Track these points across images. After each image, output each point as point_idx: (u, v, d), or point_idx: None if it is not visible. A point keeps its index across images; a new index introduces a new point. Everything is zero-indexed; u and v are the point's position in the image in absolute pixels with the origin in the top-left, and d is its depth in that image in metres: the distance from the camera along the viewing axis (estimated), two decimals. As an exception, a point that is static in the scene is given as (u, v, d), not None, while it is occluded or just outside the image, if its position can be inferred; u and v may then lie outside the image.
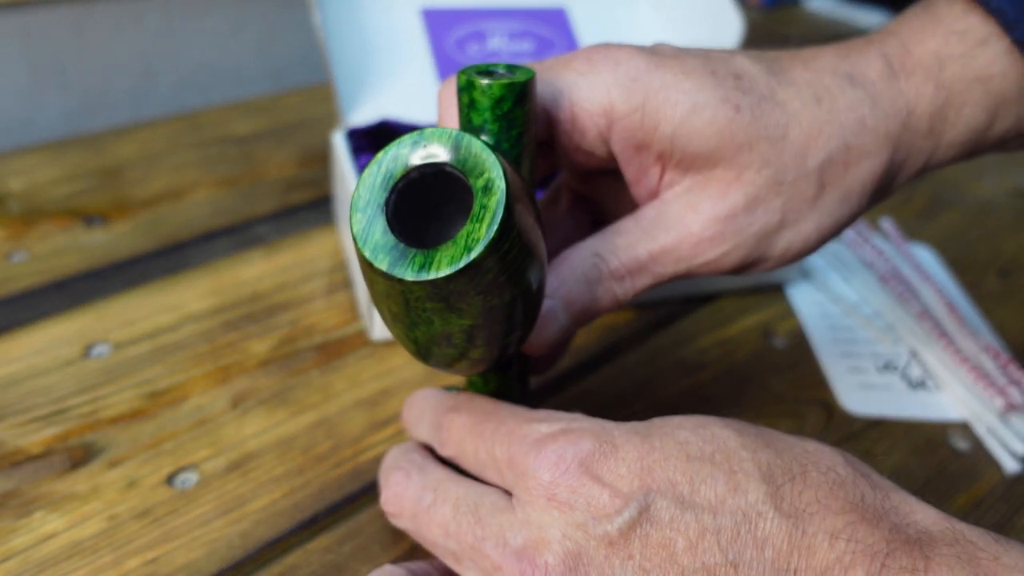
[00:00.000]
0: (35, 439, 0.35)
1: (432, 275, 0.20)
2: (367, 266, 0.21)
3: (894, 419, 0.40)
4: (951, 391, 0.41)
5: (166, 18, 0.67)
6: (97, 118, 0.67)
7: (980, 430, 0.39)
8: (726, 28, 0.51)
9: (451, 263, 0.20)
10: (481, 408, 0.27)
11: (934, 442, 0.39)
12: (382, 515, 0.33)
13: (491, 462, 0.25)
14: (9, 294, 0.43)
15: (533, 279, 0.23)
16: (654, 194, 0.29)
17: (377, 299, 0.22)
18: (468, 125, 0.25)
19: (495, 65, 0.25)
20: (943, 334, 0.44)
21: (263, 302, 0.44)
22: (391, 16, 0.52)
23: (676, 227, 0.28)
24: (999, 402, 0.39)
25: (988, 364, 0.42)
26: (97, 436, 0.35)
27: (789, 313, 0.47)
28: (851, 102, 0.28)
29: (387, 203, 0.21)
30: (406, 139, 0.22)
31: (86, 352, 0.40)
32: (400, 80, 0.50)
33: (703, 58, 0.28)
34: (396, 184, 0.21)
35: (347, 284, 0.46)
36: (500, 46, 0.53)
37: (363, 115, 0.48)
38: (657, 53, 0.28)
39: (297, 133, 0.63)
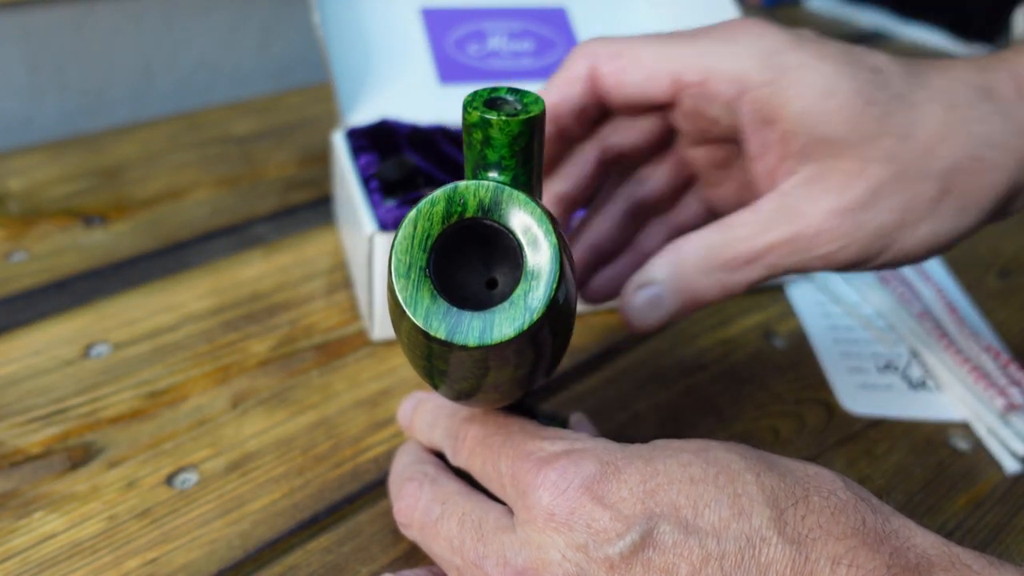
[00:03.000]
0: (35, 439, 0.35)
1: (496, 339, 0.20)
2: (420, 334, 0.20)
3: (894, 419, 0.40)
4: (951, 391, 0.41)
5: (165, 18, 0.67)
6: (97, 118, 0.67)
7: (980, 430, 0.39)
8: (726, 28, 0.51)
9: (514, 326, 0.20)
10: (494, 420, 0.27)
11: (934, 442, 0.39)
12: (382, 515, 0.33)
13: (496, 476, 0.25)
14: (9, 294, 0.43)
15: (574, 316, 0.23)
16: (772, 176, 0.29)
17: (421, 358, 0.22)
18: (482, 161, 0.24)
19: (497, 90, 0.24)
20: (944, 334, 0.44)
21: (263, 302, 0.44)
22: (391, 15, 0.52)
23: (795, 219, 0.28)
24: (1000, 402, 0.39)
25: (989, 364, 0.42)
26: (97, 436, 0.35)
27: (789, 313, 0.47)
28: (983, 114, 0.27)
29: (428, 264, 0.21)
30: (439, 194, 0.21)
31: (86, 352, 0.40)
32: (400, 80, 0.50)
33: (844, 48, 0.28)
34: (435, 243, 0.21)
35: (347, 284, 0.46)
36: (500, 46, 0.53)
37: (363, 115, 0.48)
38: (799, 35, 0.28)
39: (297, 133, 0.63)
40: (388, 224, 0.39)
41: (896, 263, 0.29)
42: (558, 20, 0.55)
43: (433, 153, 0.48)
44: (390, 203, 0.42)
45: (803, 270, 0.29)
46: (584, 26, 0.56)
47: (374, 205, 0.41)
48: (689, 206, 0.34)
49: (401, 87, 0.50)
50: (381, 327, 0.41)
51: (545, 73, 0.53)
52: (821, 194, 0.27)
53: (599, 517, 0.22)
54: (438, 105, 0.49)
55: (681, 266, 0.29)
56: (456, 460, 0.28)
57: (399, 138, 0.47)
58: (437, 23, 0.53)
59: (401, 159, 0.43)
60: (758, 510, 0.22)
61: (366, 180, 0.43)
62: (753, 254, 0.28)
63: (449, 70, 0.51)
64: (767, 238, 0.28)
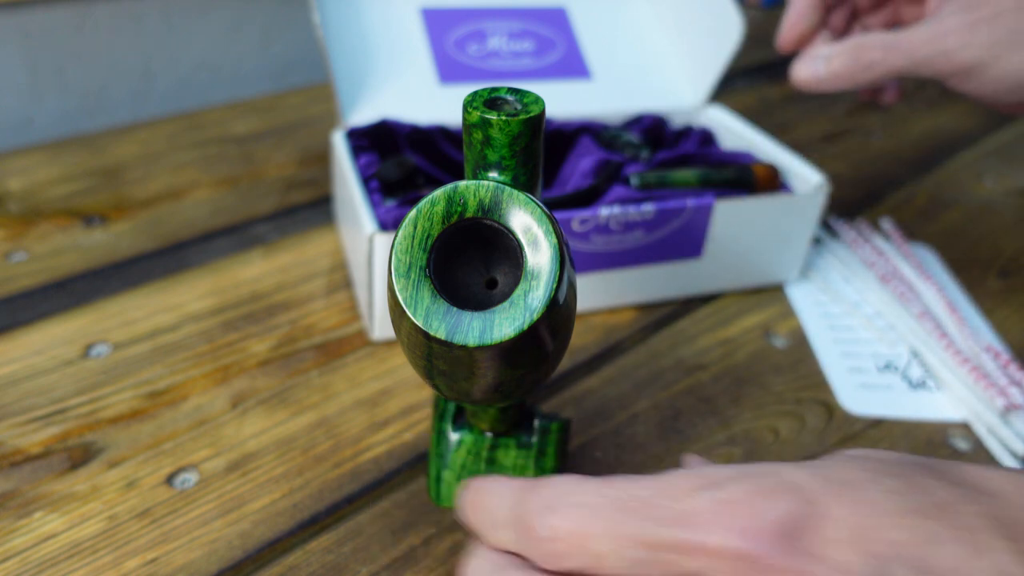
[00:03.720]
0: (35, 439, 0.35)
1: (496, 339, 0.20)
2: (420, 334, 0.20)
3: (894, 419, 0.40)
4: (951, 391, 0.41)
5: (166, 18, 0.67)
6: (97, 118, 0.67)
7: (980, 430, 0.39)
8: (726, 28, 0.51)
9: (514, 326, 0.20)
10: (586, 499, 0.21)
11: (934, 442, 0.39)
12: (382, 515, 0.33)
13: (651, 554, 0.20)
14: (9, 294, 0.43)
15: (574, 316, 0.23)
16: (938, 7, 0.40)
17: (421, 358, 0.22)
18: (482, 161, 0.24)
19: (497, 90, 0.24)
20: (944, 334, 0.44)
21: (263, 302, 0.44)
22: (391, 15, 0.52)
23: (937, 25, 0.39)
24: (1000, 402, 0.39)
25: (989, 364, 0.42)
26: (97, 436, 0.35)
27: (789, 313, 0.47)
28: None
29: (428, 264, 0.21)
30: (439, 194, 0.21)
31: (86, 352, 0.40)
32: (400, 80, 0.50)
33: None
34: (435, 243, 0.21)
35: (347, 284, 0.46)
36: (500, 46, 0.53)
37: (363, 115, 0.48)
38: None
39: (297, 133, 0.63)
40: (388, 224, 0.39)
41: (994, 83, 0.38)
42: (558, 20, 0.55)
43: (433, 153, 0.48)
44: (390, 203, 0.42)
45: (931, 66, 0.39)
46: (584, 26, 0.56)
47: (374, 205, 0.41)
48: (880, 16, 0.47)
49: (401, 87, 0.50)
50: (381, 327, 0.41)
51: (545, 73, 0.53)
52: (961, 11, 0.38)
53: (813, 570, 0.18)
54: (438, 105, 0.49)
55: (838, 48, 0.41)
56: (565, 563, 0.21)
57: (399, 138, 0.47)
58: (437, 23, 0.53)
59: (401, 159, 0.43)
60: (993, 543, 0.19)
61: (366, 180, 0.43)
62: (897, 44, 0.39)
63: (449, 70, 0.51)
64: (912, 35, 0.39)
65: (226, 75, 0.72)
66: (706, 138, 0.51)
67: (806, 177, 0.46)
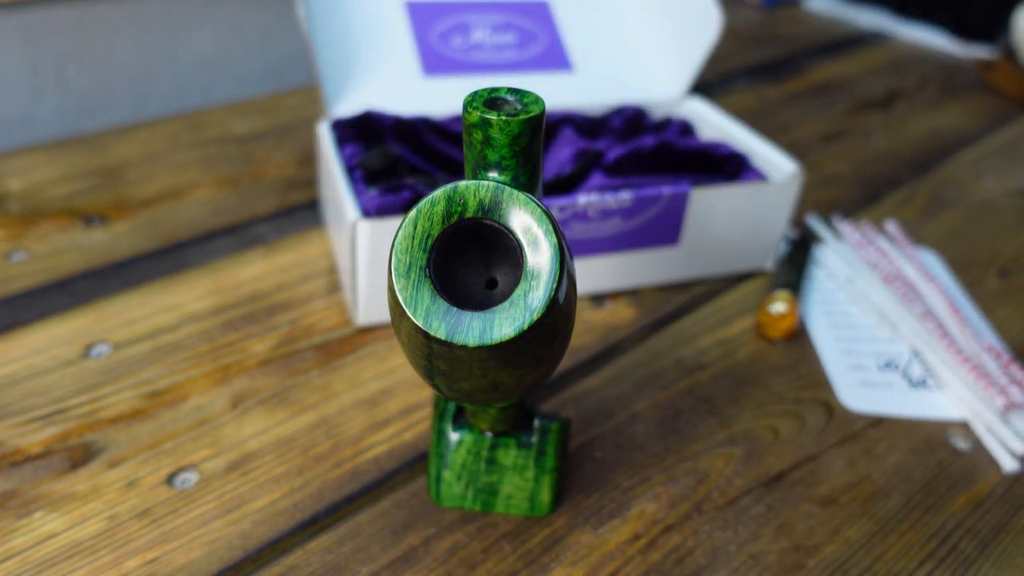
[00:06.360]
0: (35, 439, 0.35)
1: (496, 339, 0.20)
2: (420, 334, 0.20)
3: (894, 418, 0.40)
4: (952, 390, 0.41)
5: (166, 18, 0.67)
6: (97, 118, 0.67)
7: (980, 430, 0.39)
8: (705, 21, 0.52)
9: (514, 326, 0.20)
10: None
11: (934, 442, 0.39)
12: (382, 515, 0.33)
13: None
14: (9, 294, 0.43)
15: (574, 316, 0.23)
16: None
17: (421, 358, 0.22)
18: (482, 161, 0.24)
19: (497, 90, 0.24)
20: (945, 334, 0.44)
21: (263, 302, 0.44)
22: (375, 8, 0.53)
23: None
24: (999, 401, 0.39)
25: (990, 364, 0.42)
26: (97, 436, 0.35)
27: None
28: None
29: (428, 264, 0.21)
30: (439, 194, 0.21)
31: (86, 352, 0.40)
32: (384, 72, 0.50)
33: None
34: (435, 243, 0.21)
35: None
36: (483, 38, 0.53)
37: (348, 106, 0.48)
38: None
39: (297, 133, 0.63)
40: (371, 211, 0.40)
41: None
42: (540, 13, 0.56)
43: (416, 144, 0.48)
44: (372, 191, 0.42)
45: None
46: (566, 19, 0.56)
47: (358, 194, 0.41)
48: None
49: (385, 79, 0.50)
50: (365, 313, 0.41)
51: (528, 66, 0.53)
52: None
53: None
54: (421, 97, 0.50)
55: None
56: None
57: (383, 129, 0.47)
58: (421, 16, 0.53)
59: (383, 148, 0.44)
60: None
61: (350, 169, 0.43)
62: None
63: (433, 62, 0.51)
64: None
65: (226, 75, 0.73)
66: (685, 129, 0.52)
67: (780, 166, 0.47)
